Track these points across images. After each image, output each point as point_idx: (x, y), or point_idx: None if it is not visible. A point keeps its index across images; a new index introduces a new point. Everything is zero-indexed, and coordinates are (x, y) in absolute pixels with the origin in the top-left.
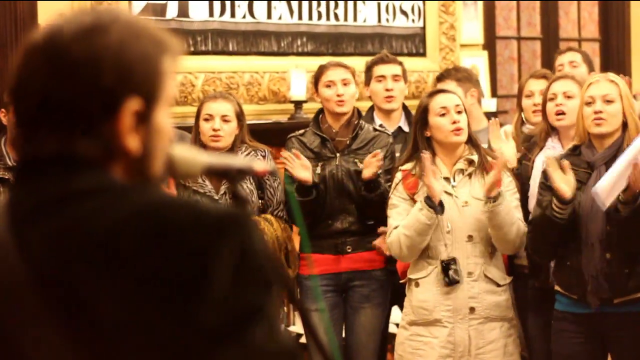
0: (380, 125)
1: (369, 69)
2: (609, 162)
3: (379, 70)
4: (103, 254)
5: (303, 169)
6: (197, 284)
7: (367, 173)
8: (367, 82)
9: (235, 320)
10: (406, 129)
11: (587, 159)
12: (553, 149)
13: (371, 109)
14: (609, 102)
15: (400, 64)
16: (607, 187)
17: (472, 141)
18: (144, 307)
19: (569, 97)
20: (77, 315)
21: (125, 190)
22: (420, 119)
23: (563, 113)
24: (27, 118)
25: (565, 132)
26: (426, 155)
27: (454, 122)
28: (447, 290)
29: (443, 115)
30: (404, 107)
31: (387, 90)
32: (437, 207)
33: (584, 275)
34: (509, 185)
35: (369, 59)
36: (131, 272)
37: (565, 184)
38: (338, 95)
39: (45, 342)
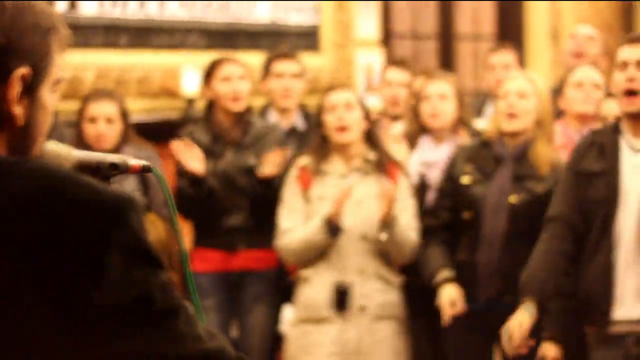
0: (274, 124)
1: (267, 65)
2: (518, 159)
3: (279, 67)
4: None
5: (195, 160)
6: (91, 268)
7: (266, 170)
8: (265, 78)
9: (133, 303)
10: (300, 127)
11: (496, 152)
12: (427, 149)
13: (266, 105)
14: (522, 97)
15: (300, 61)
16: None
17: (371, 139)
18: (35, 288)
19: (443, 98)
20: None
21: (17, 163)
22: (318, 114)
23: (437, 114)
24: None
25: (439, 132)
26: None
27: (340, 120)
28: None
29: (331, 112)
30: (300, 106)
31: (286, 89)
32: (336, 230)
33: (477, 271)
34: (407, 190)
35: (267, 54)
36: (23, 252)
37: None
38: (235, 92)
39: None
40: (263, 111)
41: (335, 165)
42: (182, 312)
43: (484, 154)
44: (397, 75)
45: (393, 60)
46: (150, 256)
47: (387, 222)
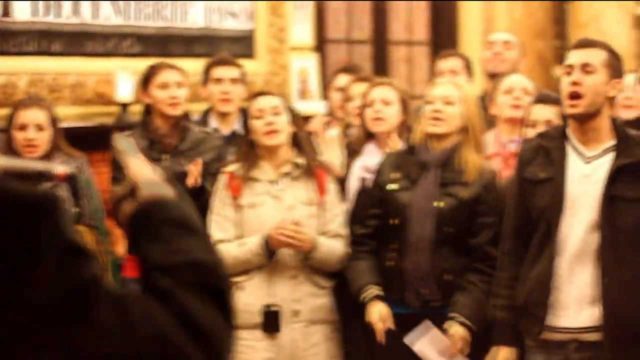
0: (215, 129)
1: (207, 71)
2: (442, 165)
3: (217, 72)
4: None
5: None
6: (22, 268)
7: (188, 181)
8: (205, 83)
9: (65, 298)
10: (241, 132)
11: (421, 158)
12: (371, 154)
13: (206, 110)
14: (448, 103)
15: (240, 66)
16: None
17: (298, 144)
18: None
19: (386, 103)
20: None
21: None
22: (245, 121)
23: (380, 119)
24: None
25: (384, 138)
26: None
27: (268, 124)
28: (270, 292)
29: (259, 117)
30: (241, 110)
31: (224, 92)
32: (273, 255)
33: (405, 277)
34: (335, 197)
35: (206, 60)
36: None
37: None
38: (172, 98)
39: None
40: (204, 116)
41: (264, 171)
42: (116, 303)
43: (410, 160)
44: (348, 81)
45: (344, 67)
46: (79, 250)
47: (306, 256)
